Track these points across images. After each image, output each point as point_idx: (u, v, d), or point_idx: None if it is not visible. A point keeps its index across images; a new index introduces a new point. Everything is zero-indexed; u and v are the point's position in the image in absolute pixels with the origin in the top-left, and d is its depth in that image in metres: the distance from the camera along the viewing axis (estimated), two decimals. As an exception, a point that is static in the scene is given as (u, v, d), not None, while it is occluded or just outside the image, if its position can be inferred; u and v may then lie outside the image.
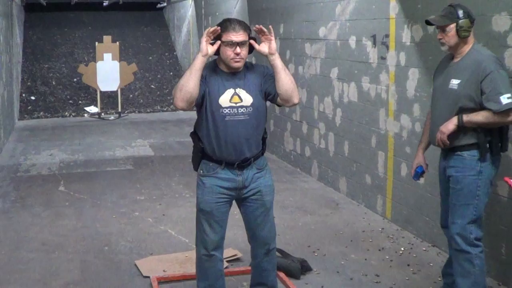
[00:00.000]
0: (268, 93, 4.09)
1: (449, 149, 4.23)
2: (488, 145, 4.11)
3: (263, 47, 4.03)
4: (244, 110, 4.00)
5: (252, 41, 4.03)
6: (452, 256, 4.29)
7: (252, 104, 4.02)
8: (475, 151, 4.11)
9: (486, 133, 4.10)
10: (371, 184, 6.88)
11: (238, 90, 4.01)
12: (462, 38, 4.14)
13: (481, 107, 4.05)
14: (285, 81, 4.00)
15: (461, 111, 4.11)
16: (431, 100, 4.48)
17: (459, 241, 4.15)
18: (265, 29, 4.00)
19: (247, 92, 4.03)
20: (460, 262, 4.19)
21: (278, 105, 4.21)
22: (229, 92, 4.00)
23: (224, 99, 3.99)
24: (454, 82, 4.15)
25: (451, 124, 4.13)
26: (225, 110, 3.98)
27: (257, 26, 3.99)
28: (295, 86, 4.07)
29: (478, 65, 4.07)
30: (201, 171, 4.15)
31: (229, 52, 3.94)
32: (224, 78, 4.03)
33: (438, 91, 4.31)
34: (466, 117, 4.08)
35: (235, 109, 3.99)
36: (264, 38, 4.03)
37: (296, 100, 4.09)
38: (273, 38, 4.02)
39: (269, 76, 4.10)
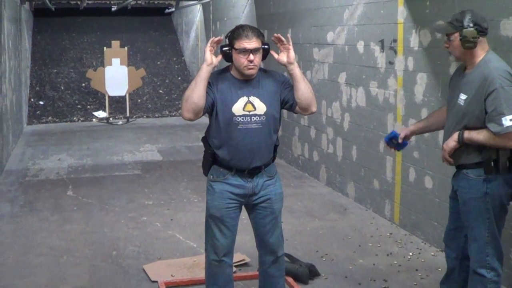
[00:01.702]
0: (286, 101, 4.07)
1: (457, 167, 4.03)
2: (493, 163, 3.82)
3: (281, 57, 4.03)
4: (257, 118, 3.98)
5: (272, 52, 4.03)
6: (469, 275, 4.09)
7: (265, 113, 3.99)
8: (481, 170, 3.85)
9: (491, 151, 3.81)
10: (379, 189, 6.87)
11: (252, 98, 3.98)
12: (466, 49, 3.82)
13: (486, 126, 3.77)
14: (304, 90, 3.99)
15: (467, 129, 3.85)
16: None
17: (475, 264, 3.98)
18: (283, 38, 3.99)
19: (261, 100, 4.00)
20: (474, 284, 4.02)
21: (295, 113, 4.20)
22: (243, 100, 3.98)
23: (238, 108, 3.96)
24: (462, 97, 3.87)
25: (451, 141, 3.93)
26: (238, 119, 3.96)
27: (275, 35, 3.99)
28: (313, 95, 4.07)
29: (483, 80, 3.74)
30: (211, 176, 4.14)
31: (242, 60, 3.91)
32: (237, 86, 4.00)
33: (450, 104, 4.07)
34: (467, 134, 3.83)
35: (248, 118, 3.97)
36: (283, 47, 4.02)
37: (314, 109, 4.09)
38: (291, 47, 4.00)
39: (287, 84, 4.09)
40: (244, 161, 4.01)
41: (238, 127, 3.96)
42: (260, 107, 3.99)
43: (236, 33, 3.94)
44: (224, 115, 3.97)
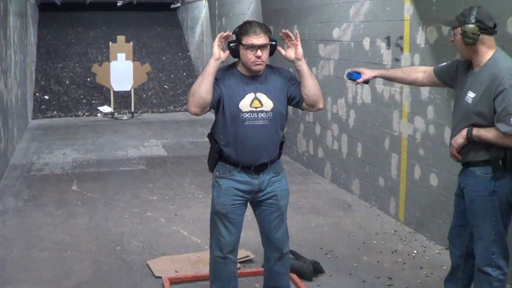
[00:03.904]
0: (293, 97, 4.06)
1: (464, 164, 4.01)
2: (501, 161, 3.81)
3: (289, 53, 4.01)
4: (264, 115, 3.97)
5: (279, 48, 4.02)
6: (475, 273, 4.08)
7: (272, 109, 3.98)
8: (488, 168, 3.84)
9: (499, 149, 3.79)
10: (384, 186, 6.86)
11: (259, 95, 3.98)
12: (466, 45, 3.80)
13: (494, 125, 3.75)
14: (312, 86, 3.99)
15: (474, 127, 3.84)
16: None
17: (481, 262, 3.96)
18: (291, 34, 3.98)
19: (268, 96, 3.99)
20: (479, 282, 4.01)
21: (302, 109, 4.20)
22: (250, 96, 3.97)
23: (244, 104, 3.95)
24: (470, 95, 3.83)
25: (460, 138, 3.91)
26: (245, 115, 3.95)
27: (283, 31, 3.97)
28: (321, 91, 4.06)
29: (493, 79, 3.72)
30: (217, 173, 4.14)
31: (250, 56, 3.90)
32: (244, 82, 3.99)
33: (457, 100, 4.04)
34: (476, 132, 3.81)
35: (255, 114, 3.96)
36: (290, 43, 4.01)
37: (321, 105, 4.08)
38: (299, 43, 3.99)
39: (294, 80, 4.08)
40: (251, 158, 4.01)
41: (245, 123, 3.95)
42: (267, 104, 3.98)
43: (243, 29, 3.92)
44: (230, 111, 3.96)
